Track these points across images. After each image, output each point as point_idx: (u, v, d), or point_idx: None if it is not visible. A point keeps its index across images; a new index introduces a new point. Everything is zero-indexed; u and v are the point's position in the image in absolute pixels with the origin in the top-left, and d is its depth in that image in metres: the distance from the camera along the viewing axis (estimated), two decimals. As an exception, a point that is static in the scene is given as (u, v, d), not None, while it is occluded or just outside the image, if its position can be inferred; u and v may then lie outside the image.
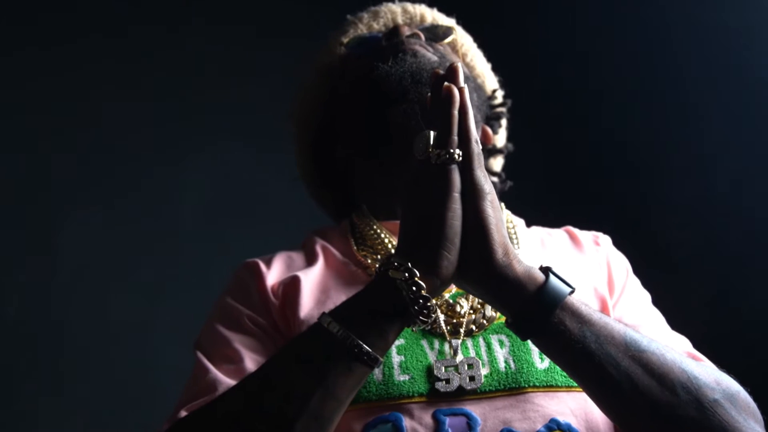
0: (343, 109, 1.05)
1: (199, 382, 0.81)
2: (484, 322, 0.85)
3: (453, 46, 1.09)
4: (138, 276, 1.84)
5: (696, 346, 0.91)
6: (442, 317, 0.84)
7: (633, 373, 0.69)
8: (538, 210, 1.10)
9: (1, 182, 1.78)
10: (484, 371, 0.80)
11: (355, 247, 0.96)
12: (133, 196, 1.88)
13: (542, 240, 1.00)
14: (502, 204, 0.98)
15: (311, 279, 0.90)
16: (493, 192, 0.73)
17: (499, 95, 1.15)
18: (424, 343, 0.83)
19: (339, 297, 0.84)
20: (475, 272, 0.71)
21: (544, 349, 0.74)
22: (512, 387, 0.79)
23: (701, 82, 1.68)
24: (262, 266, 0.93)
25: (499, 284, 0.71)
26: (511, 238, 0.94)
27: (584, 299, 0.76)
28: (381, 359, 0.69)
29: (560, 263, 0.91)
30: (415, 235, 0.72)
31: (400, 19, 1.10)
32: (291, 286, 0.88)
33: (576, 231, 1.03)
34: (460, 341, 0.83)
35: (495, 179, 1.15)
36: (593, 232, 1.03)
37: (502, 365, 0.81)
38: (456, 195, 0.71)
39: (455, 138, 0.72)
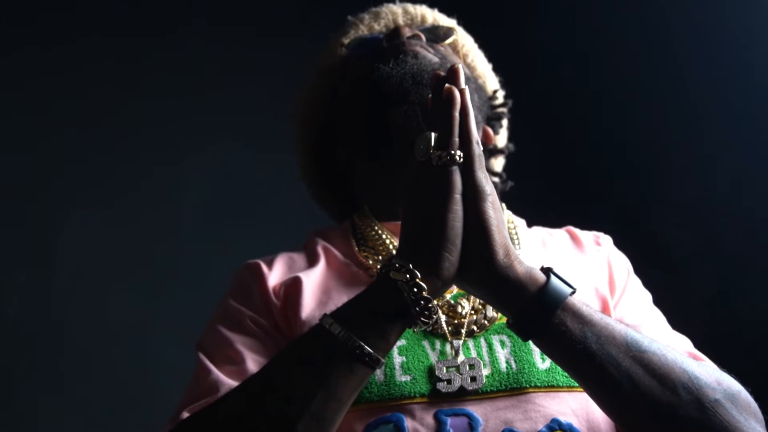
0: (344, 111, 1.05)
1: (201, 383, 0.81)
2: (486, 322, 0.85)
3: (454, 46, 1.09)
4: (138, 276, 1.84)
5: (696, 346, 0.91)
6: (443, 318, 0.84)
7: (634, 373, 0.70)
8: (538, 210, 1.10)
9: (1, 182, 1.78)
10: (485, 372, 0.80)
11: (356, 248, 0.96)
12: (133, 196, 1.88)
13: (543, 240, 1.00)
14: (503, 205, 0.98)
15: (313, 280, 0.90)
16: (494, 193, 0.73)
17: (500, 95, 1.15)
18: (426, 343, 0.83)
19: (340, 298, 0.84)
20: (476, 273, 0.71)
21: (546, 350, 0.74)
22: (513, 387, 0.79)
23: (701, 82, 1.68)
24: (264, 267, 0.93)
25: (501, 285, 0.71)
26: (512, 239, 0.94)
27: (585, 299, 0.76)
28: (382, 360, 0.69)
29: (561, 263, 0.91)
30: (416, 237, 0.72)
31: (401, 20, 1.10)
32: (292, 287, 0.88)
33: (577, 231, 1.02)
34: (461, 342, 0.83)
35: (496, 179, 1.14)
36: (594, 232, 1.03)
37: (503, 365, 0.81)
38: (457, 196, 0.71)
39: (456, 139, 0.72)
